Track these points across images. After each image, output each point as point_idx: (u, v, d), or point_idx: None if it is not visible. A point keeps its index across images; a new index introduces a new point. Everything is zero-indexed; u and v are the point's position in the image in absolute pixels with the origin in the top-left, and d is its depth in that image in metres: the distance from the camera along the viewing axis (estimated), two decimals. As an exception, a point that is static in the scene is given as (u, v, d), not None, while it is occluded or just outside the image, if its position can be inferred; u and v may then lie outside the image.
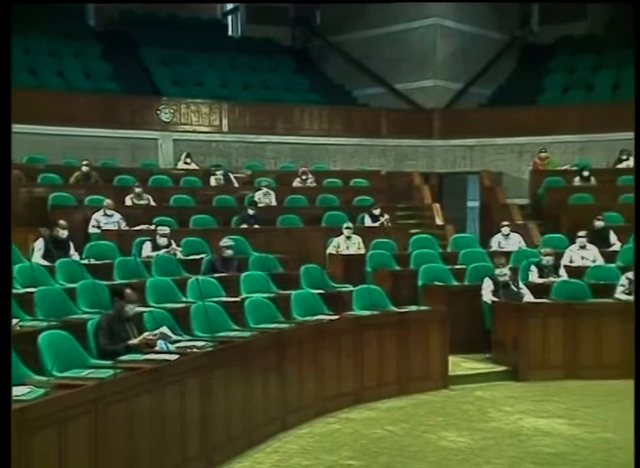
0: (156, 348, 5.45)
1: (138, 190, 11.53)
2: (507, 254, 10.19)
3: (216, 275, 8.53)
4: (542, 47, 19.60)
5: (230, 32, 20.99)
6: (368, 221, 12.01)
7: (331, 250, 10.68)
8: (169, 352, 5.36)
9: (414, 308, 8.04)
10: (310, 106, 16.51)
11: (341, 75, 18.98)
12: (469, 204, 16.88)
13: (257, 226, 11.35)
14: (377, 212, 11.98)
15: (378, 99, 18.07)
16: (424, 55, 17.69)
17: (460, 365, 8.22)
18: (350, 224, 10.90)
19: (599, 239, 10.67)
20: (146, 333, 5.61)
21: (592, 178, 13.46)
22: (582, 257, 10.07)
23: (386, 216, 11.95)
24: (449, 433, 6.13)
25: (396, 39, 17.88)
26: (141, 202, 11.57)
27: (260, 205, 12.18)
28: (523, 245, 11.09)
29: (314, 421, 6.43)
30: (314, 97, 17.38)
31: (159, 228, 9.68)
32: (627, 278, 8.53)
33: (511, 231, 11.25)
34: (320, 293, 8.07)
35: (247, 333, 6.30)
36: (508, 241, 11.15)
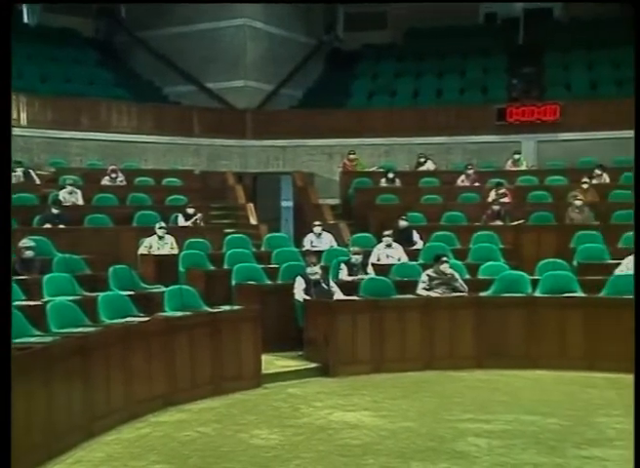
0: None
1: None
2: (319, 253, 10.45)
3: (14, 278, 8.00)
4: (348, 52, 20.36)
5: (26, 20, 19.69)
6: (181, 221, 11.84)
7: (142, 250, 10.42)
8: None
9: (226, 308, 8.02)
10: (118, 102, 15.95)
11: (151, 71, 18.54)
12: (283, 204, 17.13)
13: (62, 226, 10.80)
14: (190, 211, 11.85)
15: (189, 98, 17.87)
16: (235, 55, 17.75)
17: (273, 363, 8.29)
18: (163, 224, 10.69)
19: (403, 238, 11.20)
20: None
21: (397, 180, 14.15)
22: (388, 256, 10.52)
23: (199, 216, 11.84)
24: (261, 431, 6.16)
25: (206, 37, 17.79)
26: None
27: (65, 204, 11.61)
28: (334, 244, 11.41)
29: (122, 427, 6.21)
30: (121, 92, 16.78)
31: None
32: (427, 275, 9.03)
33: (323, 230, 11.54)
34: (130, 295, 7.85)
35: (48, 339, 5.96)
36: (320, 240, 11.43)
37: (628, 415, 6.51)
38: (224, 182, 15.19)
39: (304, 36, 19.52)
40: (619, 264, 9.55)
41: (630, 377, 7.90)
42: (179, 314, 7.42)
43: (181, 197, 13.02)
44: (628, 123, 15.10)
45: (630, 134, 15.08)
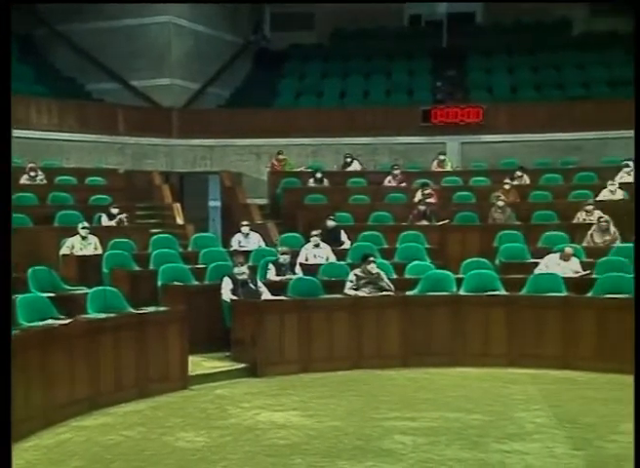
0: None
1: None
2: (247, 253, 10.40)
3: None
4: (275, 52, 20.33)
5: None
6: (105, 221, 11.59)
7: (65, 250, 10.16)
8: None
9: (152, 309, 7.89)
10: (37, 98, 15.46)
11: (73, 67, 18.04)
12: (211, 203, 16.98)
13: (-21, 226, 10.41)
14: (114, 211, 11.62)
15: (114, 95, 17.48)
16: (160, 52, 17.50)
17: (200, 364, 8.22)
18: (86, 224, 10.45)
19: (331, 238, 11.24)
20: None
21: (325, 180, 14.20)
22: (316, 255, 10.55)
23: (124, 215, 11.63)
24: (187, 433, 6.09)
25: (130, 34, 17.45)
26: None
27: (-18, 203, 11.18)
28: (262, 244, 11.37)
29: (42, 432, 6.04)
30: (40, 88, 16.26)
31: None
32: (355, 274, 9.09)
33: (251, 230, 11.49)
34: (51, 297, 7.64)
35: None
36: (248, 240, 11.37)
37: (547, 409, 6.73)
38: (150, 182, 14.94)
39: (231, 35, 19.41)
40: (538, 263, 9.82)
41: (550, 373, 8.22)
42: (102, 316, 7.27)
43: (105, 196, 12.74)
44: (547, 126, 15.68)
45: (549, 136, 15.67)
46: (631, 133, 15.10)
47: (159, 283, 9.20)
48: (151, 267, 9.72)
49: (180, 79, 17.77)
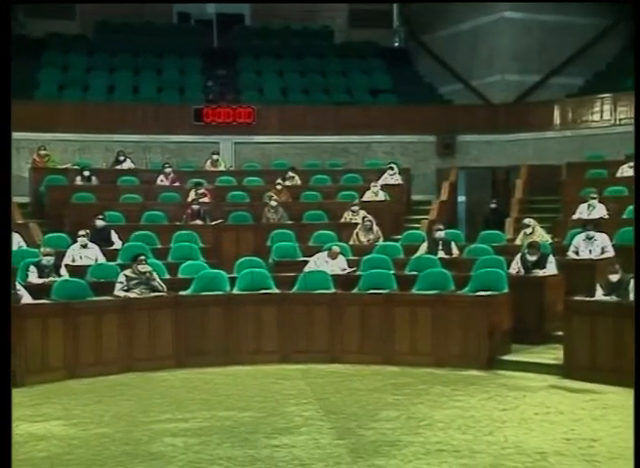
0: None
1: None
2: (5, 255, 9.66)
3: None
4: (33, 40, 18.90)
5: None
6: None
7: None
8: None
9: None
10: None
11: None
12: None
13: None
14: None
15: None
16: None
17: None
18: None
19: (101, 238, 10.82)
20: None
21: (93, 178, 13.61)
22: (83, 256, 10.09)
23: None
24: None
25: None
26: None
27: None
28: (23, 244, 10.70)
29: None
30: None
31: None
32: (125, 275, 8.78)
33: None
34: None
35: None
36: (7, 241, 10.60)
37: (315, 403, 6.97)
38: None
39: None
40: (308, 261, 10.14)
41: (319, 367, 8.53)
42: None
43: None
44: (315, 129, 16.30)
45: (317, 139, 16.32)
46: (392, 137, 16.32)
47: None
48: None
49: None
